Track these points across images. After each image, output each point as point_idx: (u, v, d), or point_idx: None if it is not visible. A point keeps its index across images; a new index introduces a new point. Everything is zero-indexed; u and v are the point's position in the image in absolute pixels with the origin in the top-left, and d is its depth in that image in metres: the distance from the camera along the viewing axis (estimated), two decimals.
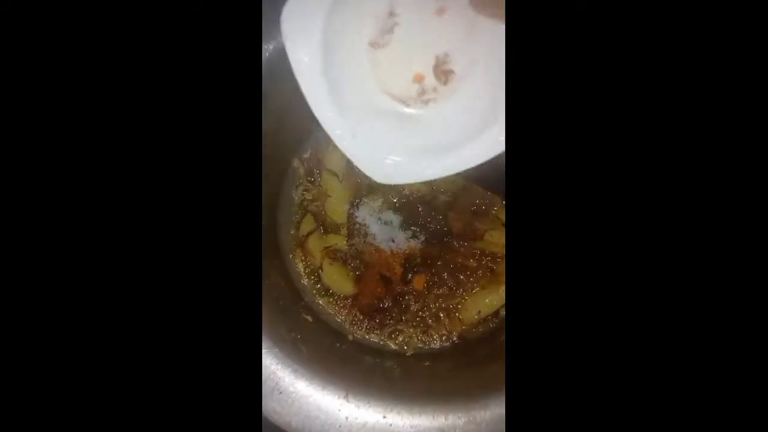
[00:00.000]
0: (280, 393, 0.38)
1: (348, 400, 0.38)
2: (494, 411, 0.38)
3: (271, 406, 0.38)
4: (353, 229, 0.53)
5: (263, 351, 0.39)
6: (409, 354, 0.50)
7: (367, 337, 0.51)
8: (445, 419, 0.38)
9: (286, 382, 0.38)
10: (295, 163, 0.54)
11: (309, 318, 0.50)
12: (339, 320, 0.52)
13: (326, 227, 0.53)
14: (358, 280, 0.52)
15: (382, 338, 0.51)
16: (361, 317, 0.51)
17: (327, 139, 0.54)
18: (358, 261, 0.52)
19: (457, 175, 0.40)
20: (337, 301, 0.52)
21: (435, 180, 0.52)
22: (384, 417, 0.38)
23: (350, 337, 0.51)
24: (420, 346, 0.51)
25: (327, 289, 0.52)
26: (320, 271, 0.52)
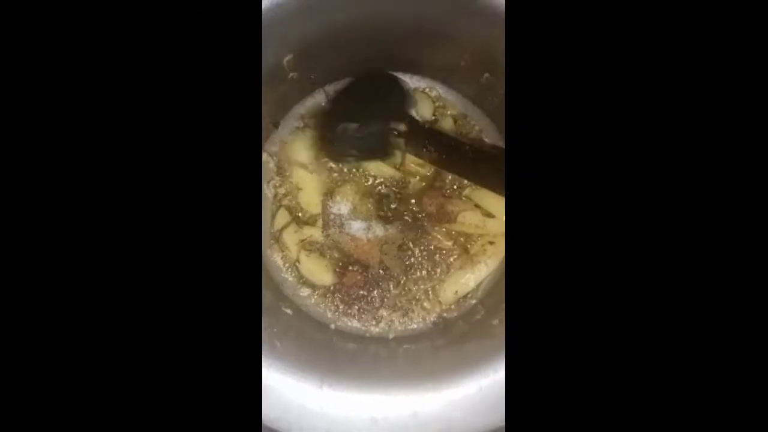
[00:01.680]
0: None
1: (322, 389, 0.39)
2: (472, 386, 0.39)
3: None
4: (328, 220, 0.54)
5: None
6: (391, 337, 0.52)
7: (348, 324, 0.52)
8: (425, 398, 0.39)
9: (263, 375, 0.39)
10: (264, 157, 0.54)
11: (289, 311, 0.51)
12: (320, 310, 0.53)
13: (301, 220, 0.54)
14: (336, 270, 0.53)
15: (364, 325, 0.52)
16: (342, 306, 0.53)
17: (293, 131, 0.55)
18: (335, 251, 0.53)
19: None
20: (316, 292, 0.53)
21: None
22: (363, 401, 0.39)
23: (332, 326, 0.52)
24: (401, 329, 0.52)
25: (306, 281, 0.53)
26: (298, 264, 0.53)
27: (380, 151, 0.51)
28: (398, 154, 0.52)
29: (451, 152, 0.48)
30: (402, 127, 0.48)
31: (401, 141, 0.49)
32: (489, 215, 0.52)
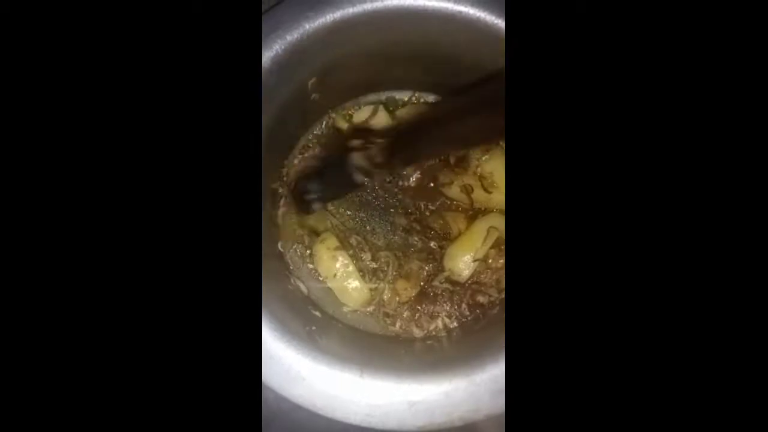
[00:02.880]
0: (304, 379, 0.43)
1: (363, 378, 0.44)
2: (491, 372, 0.44)
3: (297, 392, 0.43)
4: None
5: (284, 345, 0.44)
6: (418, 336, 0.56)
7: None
8: (450, 383, 0.43)
9: (308, 368, 0.43)
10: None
11: (318, 314, 0.55)
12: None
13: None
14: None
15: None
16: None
17: None
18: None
19: None
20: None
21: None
22: (397, 388, 0.44)
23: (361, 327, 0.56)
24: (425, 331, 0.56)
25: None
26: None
27: (347, 187, 0.53)
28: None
29: (430, 138, 0.45)
30: (361, 161, 0.46)
31: (368, 171, 0.47)
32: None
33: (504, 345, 0.44)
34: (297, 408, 0.43)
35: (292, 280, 0.56)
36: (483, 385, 0.43)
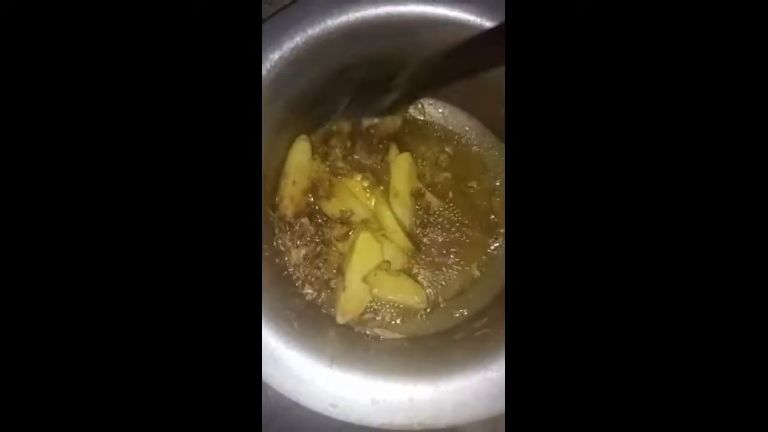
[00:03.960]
0: (275, 361, 0.44)
1: (332, 368, 0.44)
2: (459, 383, 0.44)
3: (269, 371, 0.44)
4: None
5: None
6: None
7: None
8: (414, 387, 0.44)
9: (281, 351, 0.45)
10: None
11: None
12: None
13: None
14: None
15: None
16: None
17: None
18: None
19: None
20: None
21: None
22: (364, 384, 0.44)
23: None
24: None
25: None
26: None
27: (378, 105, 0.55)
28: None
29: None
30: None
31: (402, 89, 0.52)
32: None
33: (473, 359, 0.44)
34: (267, 387, 0.43)
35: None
36: (448, 394, 0.44)
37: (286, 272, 0.57)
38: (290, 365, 0.44)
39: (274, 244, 0.57)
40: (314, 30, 0.49)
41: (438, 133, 0.63)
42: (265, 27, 0.49)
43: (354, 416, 0.43)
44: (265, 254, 0.53)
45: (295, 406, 0.43)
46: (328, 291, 0.56)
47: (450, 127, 0.63)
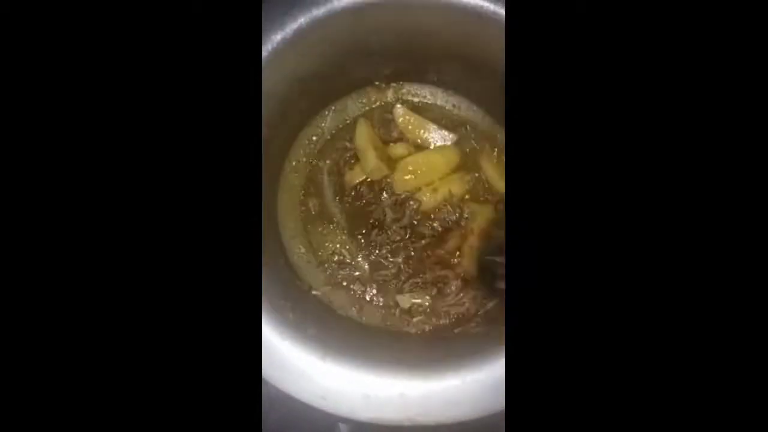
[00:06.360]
0: (266, 349, 0.44)
1: (325, 361, 0.44)
2: (450, 382, 0.44)
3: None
4: None
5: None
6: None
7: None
8: (406, 384, 0.44)
9: (275, 340, 0.45)
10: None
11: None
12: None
13: None
14: None
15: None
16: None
17: None
18: None
19: None
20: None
21: None
22: (355, 378, 0.44)
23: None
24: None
25: None
26: None
27: None
28: None
29: None
30: None
31: None
32: None
33: (466, 358, 0.44)
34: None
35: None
36: (440, 392, 0.44)
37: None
38: (283, 356, 0.44)
39: None
40: (319, 10, 0.48)
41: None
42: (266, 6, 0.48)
43: (344, 409, 0.43)
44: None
45: (291, 398, 0.43)
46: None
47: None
